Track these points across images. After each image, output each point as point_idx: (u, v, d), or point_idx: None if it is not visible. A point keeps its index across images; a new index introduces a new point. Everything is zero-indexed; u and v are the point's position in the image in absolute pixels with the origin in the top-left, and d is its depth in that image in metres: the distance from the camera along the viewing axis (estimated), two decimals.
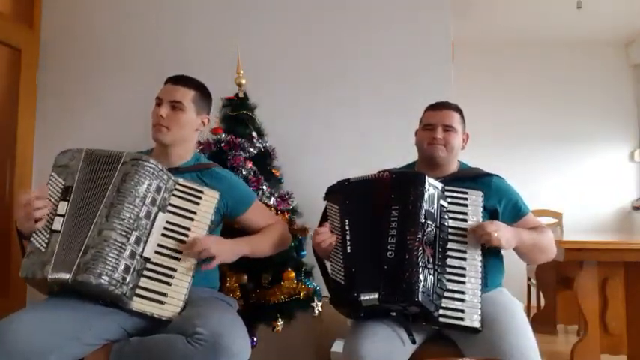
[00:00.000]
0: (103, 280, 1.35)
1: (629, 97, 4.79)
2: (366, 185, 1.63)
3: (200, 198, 1.58)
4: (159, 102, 1.68)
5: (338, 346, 2.21)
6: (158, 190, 1.52)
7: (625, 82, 4.80)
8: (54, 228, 1.45)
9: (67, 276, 1.37)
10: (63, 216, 1.46)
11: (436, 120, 1.75)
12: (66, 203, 1.48)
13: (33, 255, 1.43)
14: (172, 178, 1.57)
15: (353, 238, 1.54)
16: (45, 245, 1.43)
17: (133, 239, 1.44)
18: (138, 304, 1.43)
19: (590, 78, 4.78)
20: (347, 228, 1.56)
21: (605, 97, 4.76)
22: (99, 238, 1.41)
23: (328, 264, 1.62)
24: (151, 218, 1.50)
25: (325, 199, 1.70)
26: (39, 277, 1.39)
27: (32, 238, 1.45)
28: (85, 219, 1.46)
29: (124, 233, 1.43)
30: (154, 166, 1.52)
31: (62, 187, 1.51)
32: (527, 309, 3.98)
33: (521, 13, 4.21)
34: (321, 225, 1.66)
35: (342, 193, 1.64)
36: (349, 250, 1.53)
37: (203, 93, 1.74)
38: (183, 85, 1.69)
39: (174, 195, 1.56)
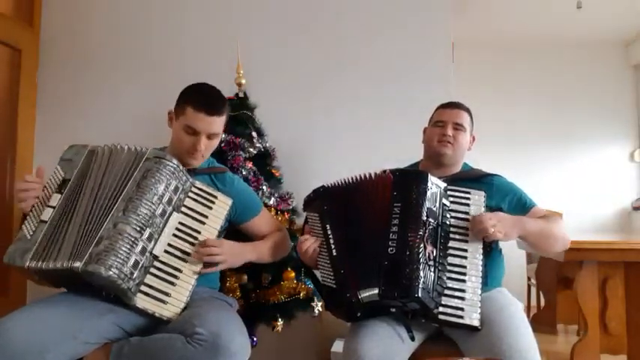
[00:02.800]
0: (112, 273, 1.35)
1: (629, 97, 4.79)
2: (348, 187, 1.63)
3: (213, 202, 1.59)
4: (194, 133, 1.58)
5: (338, 346, 2.21)
6: (176, 190, 1.53)
7: (625, 82, 4.80)
8: (42, 218, 1.47)
9: (77, 264, 1.37)
10: (53, 207, 1.49)
11: (447, 117, 1.77)
12: (59, 195, 1.51)
13: (19, 241, 1.45)
14: (190, 179, 1.58)
15: (337, 241, 1.55)
16: (31, 233, 1.46)
17: (146, 235, 1.45)
18: (141, 301, 1.43)
19: (590, 78, 4.79)
20: (329, 232, 1.57)
21: (605, 97, 4.77)
22: (114, 231, 1.41)
23: (318, 273, 1.62)
24: (165, 217, 1.50)
25: (304, 209, 1.71)
26: (17, 265, 1.42)
27: (23, 225, 1.48)
28: (100, 210, 1.46)
29: (138, 228, 1.43)
30: (175, 166, 1.53)
31: (61, 179, 1.54)
32: (527, 309, 3.98)
33: (521, 13, 4.22)
34: (305, 230, 1.67)
35: (319, 199, 1.65)
36: (335, 254, 1.53)
37: (227, 113, 1.69)
38: (219, 115, 1.60)
39: (189, 196, 1.57)
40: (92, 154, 1.57)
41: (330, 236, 1.56)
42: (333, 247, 1.55)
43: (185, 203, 1.55)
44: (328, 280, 1.53)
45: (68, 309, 1.40)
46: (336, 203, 1.62)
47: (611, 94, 4.78)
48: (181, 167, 1.56)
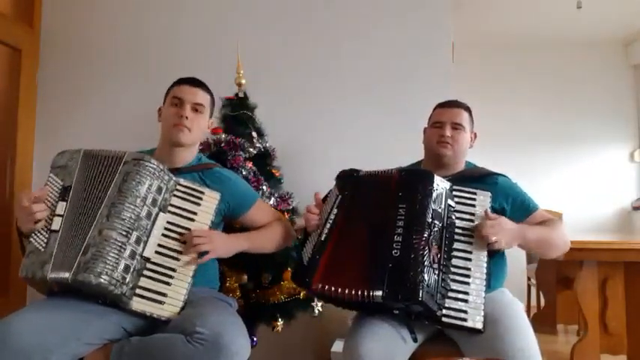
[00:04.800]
0: (102, 280, 1.36)
1: (629, 97, 4.79)
2: (372, 182, 1.63)
3: (201, 199, 1.59)
4: (179, 103, 1.67)
5: (338, 346, 2.21)
6: (159, 190, 1.53)
7: (625, 82, 4.80)
8: (52, 228, 1.46)
9: (66, 275, 1.37)
10: (61, 216, 1.48)
11: (445, 118, 1.76)
12: (64, 203, 1.49)
13: (32, 255, 1.44)
14: (173, 178, 1.58)
15: (333, 229, 1.56)
16: (44, 245, 1.44)
17: (133, 239, 1.44)
18: (137, 304, 1.43)
19: (590, 78, 4.78)
20: (331, 217, 1.58)
21: (605, 97, 4.77)
22: (99, 238, 1.41)
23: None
24: (152, 218, 1.50)
25: (336, 178, 1.71)
26: (38, 277, 1.40)
27: (31, 239, 1.46)
28: (85, 218, 1.46)
29: (124, 233, 1.43)
30: (155, 166, 1.53)
31: (60, 187, 1.52)
32: (527, 309, 3.98)
33: (521, 13, 4.21)
34: (325, 200, 1.68)
35: (348, 182, 1.66)
36: (322, 238, 1.55)
37: (212, 97, 1.79)
38: (202, 89, 1.71)
39: (175, 195, 1.56)
40: (87, 157, 1.55)
41: (330, 220, 1.57)
42: (326, 231, 1.56)
43: (172, 202, 1.55)
44: (305, 255, 1.56)
45: (71, 310, 1.40)
46: (357, 196, 1.61)
47: (611, 94, 4.77)
48: (162, 167, 1.55)
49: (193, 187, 1.60)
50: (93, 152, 1.57)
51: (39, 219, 1.46)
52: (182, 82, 1.72)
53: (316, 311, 2.11)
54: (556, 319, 3.56)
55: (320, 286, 1.47)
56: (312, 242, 1.58)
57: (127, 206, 1.45)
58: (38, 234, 1.46)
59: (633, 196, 4.69)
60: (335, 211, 1.59)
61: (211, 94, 1.77)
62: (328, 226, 1.57)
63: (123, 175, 1.50)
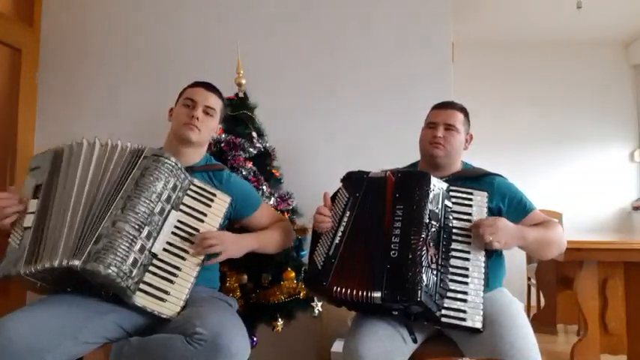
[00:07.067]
0: (111, 271, 1.36)
1: (629, 97, 4.79)
2: (373, 183, 1.63)
3: (212, 200, 1.60)
4: (192, 104, 1.70)
5: (338, 346, 2.21)
6: (174, 188, 1.54)
7: (625, 82, 4.80)
8: (25, 225, 1.47)
9: (76, 263, 1.37)
10: (33, 213, 1.49)
11: (439, 119, 1.76)
12: (36, 200, 1.51)
13: (9, 254, 1.45)
14: (188, 177, 1.59)
15: (346, 231, 1.56)
16: (18, 242, 1.46)
17: (144, 234, 1.45)
18: (140, 299, 1.43)
19: (590, 78, 4.78)
20: (345, 220, 1.58)
21: (605, 97, 4.77)
22: (112, 229, 1.41)
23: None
24: (164, 215, 1.51)
25: (342, 181, 1.71)
26: (13, 274, 1.41)
27: (10, 238, 1.47)
28: (78, 208, 1.46)
29: (137, 227, 1.43)
30: (173, 164, 1.54)
31: (33, 186, 1.54)
32: (527, 309, 3.98)
33: (521, 13, 4.21)
34: (333, 201, 1.68)
35: (357, 184, 1.65)
36: (337, 241, 1.55)
37: (224, 104, 1.82)
38: (215, 94, 1.76)
39: (187, 194, 1.57)
40: (57, 153, 1.59)
41: (344, 223, 1.57)
42: (340, 234, 1.56)
43: (184, 201, 1.56)
44: (318, 258, 1.55)
45: (69, 309, 1.40)
46: (367, 197, 1.61)
47: (611, 94, 4.77)
48: (179, 165, 1.56)
49: (206, 188, 1.61)
50: (58, 150, 1.60)
51: (7, 215, 1.47)
52: (197, 84, 1.76)
53: (316, 311, 2.11)
54: (556, 319, 3.56)
55: (335, 288, 1.47)
56: (324, 245, 1.57)
57: (143, 201, 1.46)
58: (15, 232, 1.48)
59: (633, 196, 4.69)
60: (347, 213, 1.59)
61: (223, 101, 1.80)
62: (342, 228, 1.57)
63: (141, 170, 1.51)
